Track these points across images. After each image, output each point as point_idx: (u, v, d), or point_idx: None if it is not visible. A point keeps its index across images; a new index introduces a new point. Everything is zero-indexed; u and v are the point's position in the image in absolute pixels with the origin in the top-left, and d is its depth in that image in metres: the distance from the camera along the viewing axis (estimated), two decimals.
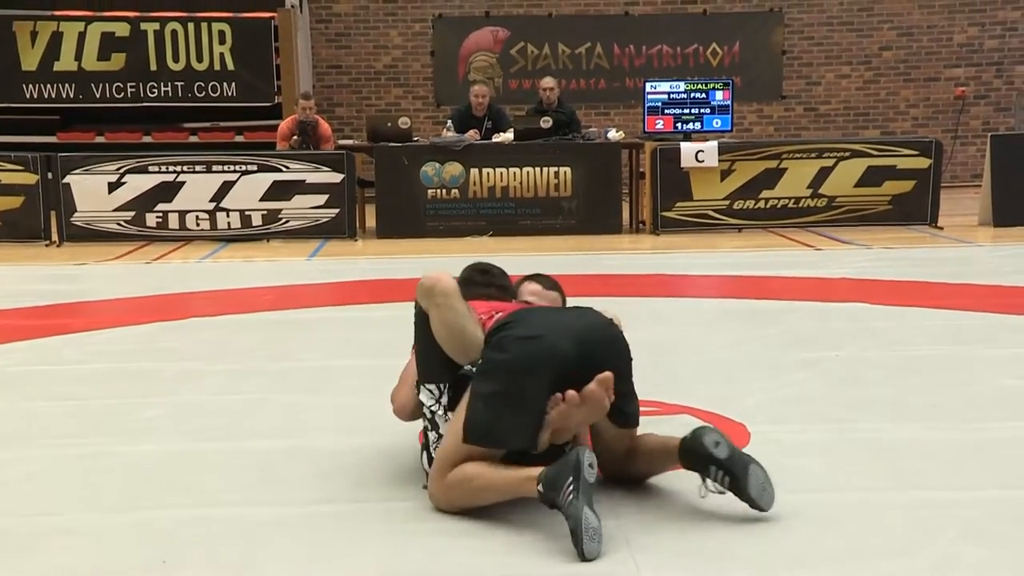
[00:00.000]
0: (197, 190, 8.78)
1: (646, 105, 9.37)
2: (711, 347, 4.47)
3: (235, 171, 8.82)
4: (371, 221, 9.27)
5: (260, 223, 8.87)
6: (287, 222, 8.87)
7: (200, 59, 11.62)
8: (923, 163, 8.93)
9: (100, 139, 11.67)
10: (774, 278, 6.35)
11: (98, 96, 11.63)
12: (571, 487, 2.33)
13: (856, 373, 3.92)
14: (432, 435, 2.72)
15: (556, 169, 8.99)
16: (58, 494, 2.79)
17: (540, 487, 2.40)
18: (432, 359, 2.72)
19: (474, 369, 2.62)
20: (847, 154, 8.95)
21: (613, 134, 9.33)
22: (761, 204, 8.93)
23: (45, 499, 2.76)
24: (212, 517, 2.61)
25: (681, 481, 2.72)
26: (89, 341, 4.80)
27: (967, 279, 6.10)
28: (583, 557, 2.29)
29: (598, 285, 6.27)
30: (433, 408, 2.73)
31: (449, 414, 2.67)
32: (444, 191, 9.00)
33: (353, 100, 13.21)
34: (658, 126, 9.34)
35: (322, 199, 8.85)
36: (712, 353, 4.35)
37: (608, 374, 2.52)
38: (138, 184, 8.76)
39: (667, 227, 8.88)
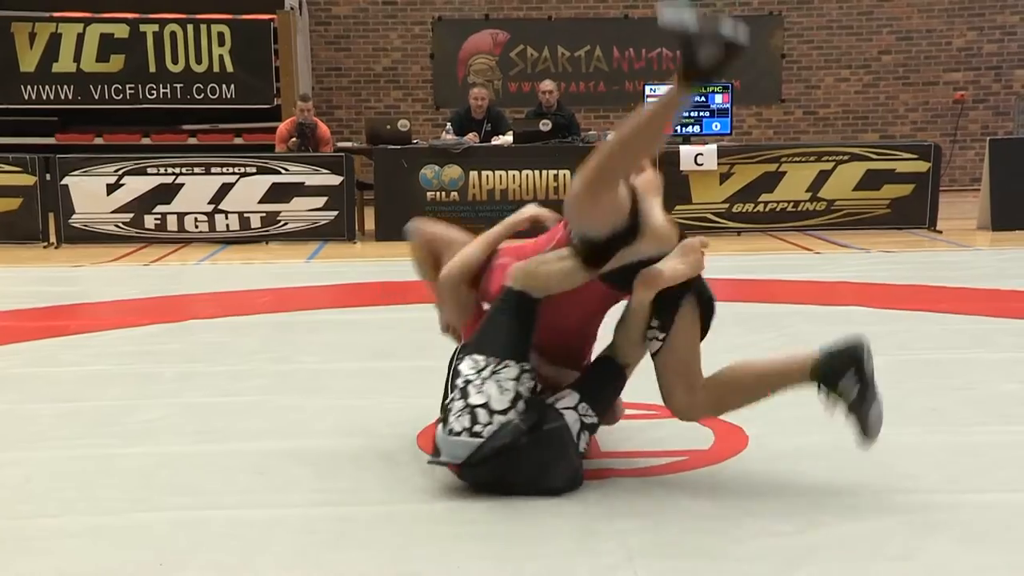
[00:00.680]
0: (196, 192, 8.79)
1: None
2: (709, 351, 4.46)
3: (234, 173, 8.83)
4: (370, 224, 9.28)
5: (259, 225, 8.88)
6: (286, 224, 8.88)
7: (199, 61, 11.64)
8: (922, 167, 8.94)
9: (99, 141, 11.68)
10: (773, 281, 6.36)
11: (97, 98, 11.64)
12: (855, 378, 2.63)
13: None
14: (459, 403, 2.71)
15: (555, 172, 9.01)
16: (57, 496, 2.79)
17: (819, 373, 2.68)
18: (521, 339, 2.76)
19: None
20: (846, 158, 8.97)
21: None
22: (760, 207, 8.95)
23: (43, 501, 2.76)
24: (211, 519, 2.61)
25: (681, 487, 2.72)
26: (87, 343, 4.81)
27: (966, 283, 6.10)
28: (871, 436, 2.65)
29: None
30: (470, 377, 2.73)
31: (487, 383, 2.68)
32: (443, 193, 9.01)
33: (352, 102, 13.23)
34: None
35: (321, 201, 8.86)
36: (710, 357, 4.33)
37: (705, 239, 2.80)
38: (136, 186, 8.77)
39: None
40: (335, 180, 8.87)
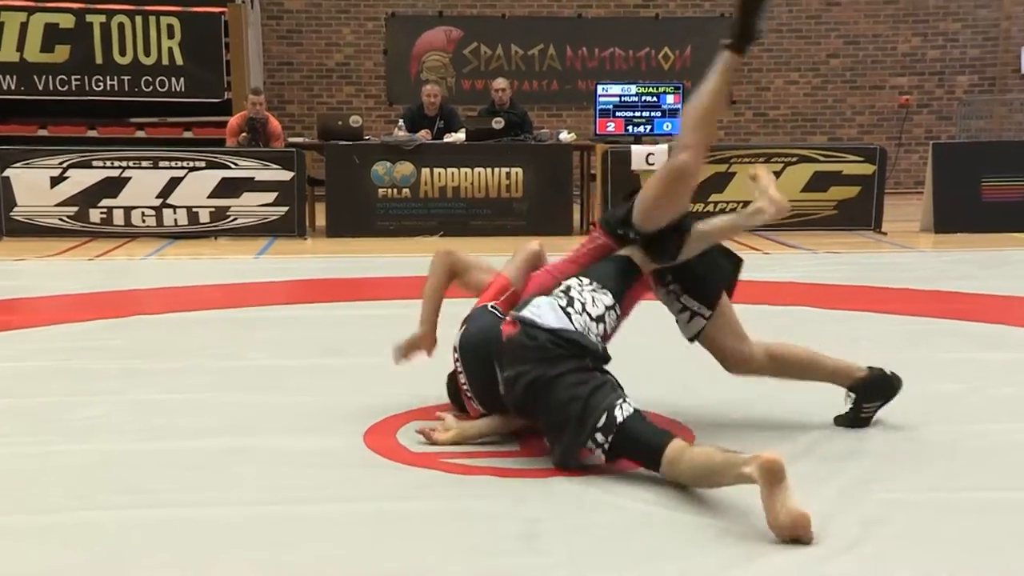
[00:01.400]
0: (143, 186, 8.66)
1: (597, 107, 9.43)
2: (655, 349, 4.50)
3: (183, 167, 8.72)
4: (321, 219, 9.21)
5: (208, 220, 8.77)
6: (235, 219, 8.79)
7: (148, 53, 11.45)
8: (868, 169, 9.09)
9: (42, 132, 11.44)
10: None
11: (41, 88, 11.40)
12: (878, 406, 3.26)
13: None
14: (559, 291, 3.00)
15: (507, 170, 9.01)
16: (0, 495, 2.74)
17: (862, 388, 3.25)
18: (620, 289, 3.08)
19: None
20: (794, 159, 9.08)
21: (564, 136, 9.38)
22: (710, 208, 9.01)
23: None
24: (156, 518, 2.57)
25: (625, 487, 2.74)
26: (28, 339, 4.72)
27: (910, 284, 6.21)
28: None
29: None
30: (572, 284, 3.03)
31: (587, 293, 2.99)
32: (395, 190, 8.97)
33: (304, 97, 13.12)
34: (609, 128, 9.41)
35: (271, 197, 8.77)
36: (657, 354, 4.37)
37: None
38: (82, 179, 8.62)
39: None
40: (286, 175, 8.80)
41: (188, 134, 11.54)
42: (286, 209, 8.79)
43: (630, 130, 9.38)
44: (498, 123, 9.13)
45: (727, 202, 9.01)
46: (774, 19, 13.30)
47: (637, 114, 9.39)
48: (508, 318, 3.01)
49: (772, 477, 2.38)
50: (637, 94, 9.42)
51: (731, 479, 2.50)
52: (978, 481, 2.84)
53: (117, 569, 2.29)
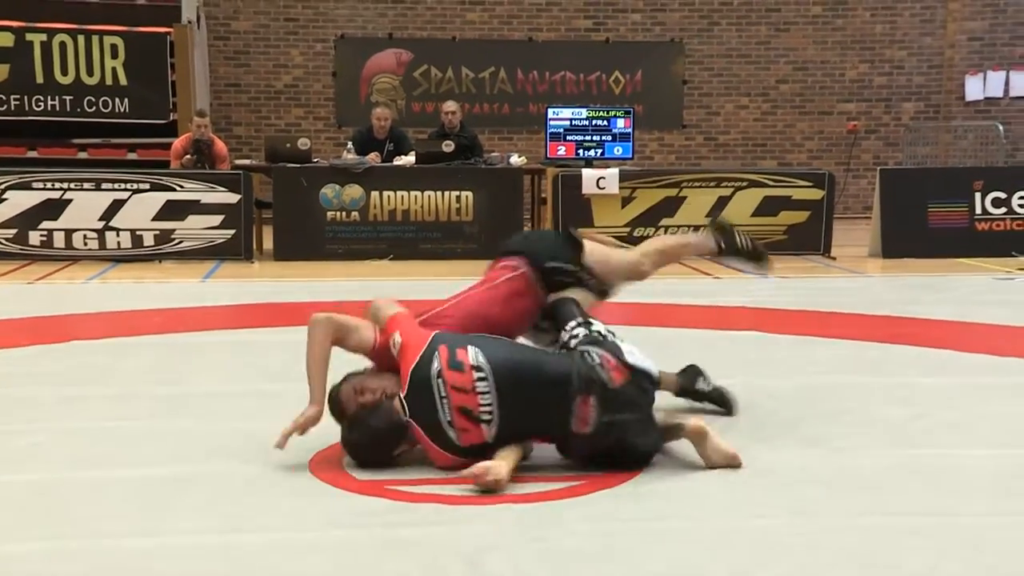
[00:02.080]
0: (85, 208, 8.53)
1: (548, 131, 9.48)
2: None
3: (126, 189, 8.60)
4: (268, 243, 9.13)
5: (152, 243, 8.66)
6: (181, 243, 8.68)
7: (91, 73, 11.31)
8: (817, 194, 9.22)
9: None
10: (673, 306, 6.45)
11: None
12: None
13: (753, 400, 4.00)
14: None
15: (458, 193, 9.02)
16: None
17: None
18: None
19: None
20: (744, 184, 9.20)
21: (515, 159, 9.41)
22: (661, 232, 9.09)
23: None
24: (91, 550, 2.52)
25: (577, 513, 2.73)
26: None
27: (858, 309, 6.30)
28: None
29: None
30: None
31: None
32: (344, 213, 8.94)
33: (252, 119, 13.03)
34: (560, 152, 9.46)
35: (217, 219, 8.69)
36: None
37: None
38: (21, 201, 8.47)
39: None
40: (232, 198, 8.72)
41: (132, 156, 11.39)
42: (233, 232, 8.71)
43: (581, 153, 9.45)
44: (448, 146, 9.14)
45: (677, 226, 9.09)
46: (723, 44, 13.52)
47: (588, 138, 9.45)
48: (613, 362, 3.17)
49: (700, 437, 3.18)
50: (588, 118, 9.50)
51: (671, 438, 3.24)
52: (914, 505, 2.88)
53: None
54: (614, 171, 9.05)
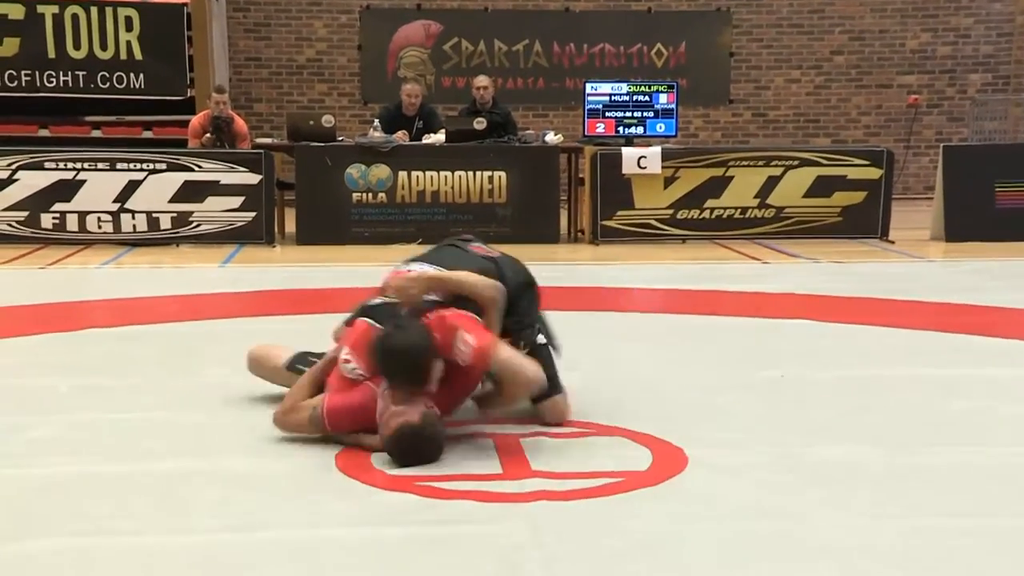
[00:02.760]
0: (99, 190, 8.62)
1: (586, 107, 9.45)
2: (649, 365, 4.52)
3: (142, 170, 8.69)
4: (291, 226, 9.19)
5: (169, 226, 8.74)
6: (199, 226, 8.76)
7: (104, 47, 11.42)
8: (874, 173, 9.13)
9: None
10: (718, 292, 6.43)
11: None
12: None
13: (800, 394, 3.99)
14: None
15: (490, 173, 9.02)
16: None
17: None
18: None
19: None
20: (796, 163, 9.12)
21: (551, 137, 9.39)
22: (706, 214, 9.06)
23: None
24: (104, 546, 2.56)
25: (616, 512, 2.73)
26: None
27: (918, 296, 6.24)
28: None
29: None
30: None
31: None
32: (370, 195, 8.97)
33: (273, 95, 13.11)
34: (599, 129, 9.43)
35: (237, 201, 8.75)
36: (650, 371, 4.39)
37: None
38: (32, 182, 8.58)
39: (607, 237, 8.95)
40: (253, 179, 8.78)
41: (148, 134, 11.52)
42: (253, 215, 8.77)
43: (621, 131, 9.40)
44: (480, 124, 9.14)
45: (724, 208, 9.04)
46: (773, 12, 13.38)
47: (628, 114, 9.41)
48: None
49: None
50: (628, 93, 9.45)
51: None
52: (975, 505, 2.85)
53: None
54: (656, 149, 9.00)
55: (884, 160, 9.18)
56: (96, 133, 11.53)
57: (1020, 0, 13.36)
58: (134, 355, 4.69)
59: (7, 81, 11.37)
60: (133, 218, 8.70)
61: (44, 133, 11.44)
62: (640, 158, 8.94)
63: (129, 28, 11.43)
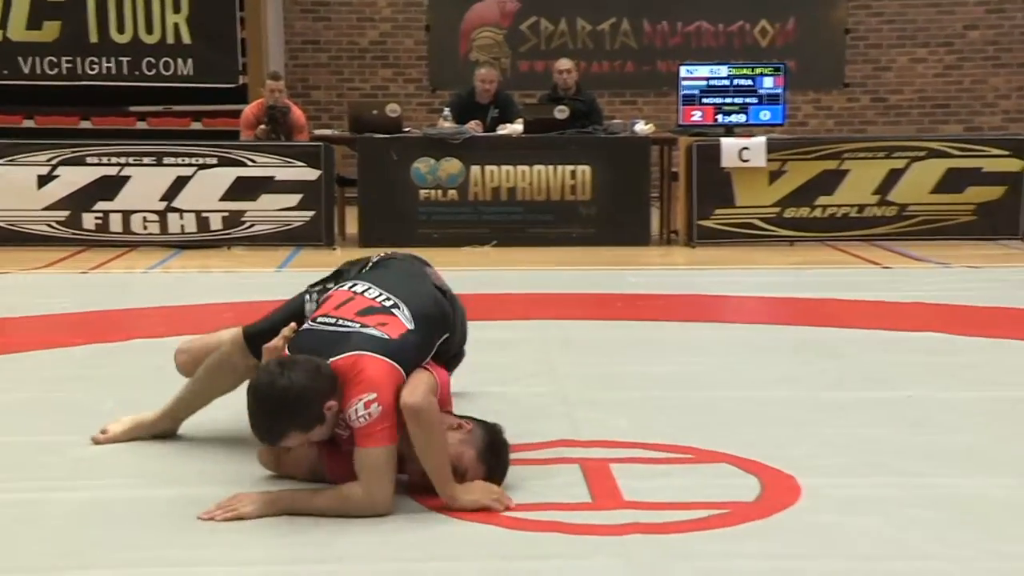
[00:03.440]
0: (145, 187, 8.80)
1: (681, 93, 9.41)
2: (756, 383, 4.48)
3: (191, 165, 8.85)
4: (352, 227, 9.28)
5: (220, 227, 8.89)
6: (252, 226, 8.90)
7: (150, 31, 11.67)
8: (1015, 165, 8.96)
9: (29, 123, 11.70)
10: (832, 301, 6.36)
11: (27, 72, 11.66)
12: None
13: (930, 417, 3.92)
14: None
15: (573, 168, 9.02)
16: None
17: None
18: None
19: None
20: (923, 154, 8.98)
21: (641, 127, 9.37)
22: (818, 212, 8.96)
23: None
24: None
25: (721, 547, 2.71)
26: (10, 366, 4.81)
27: None
28: None
29: (621, 307, 6.27)
30: None
31: None
32: (439, 192, 9.03)
33: (333, 82, 13.27)
34: (695, 118, 9.38)
35: (294, 199, 8.87)
36: (757, 391, 4.36)
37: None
38: (74, 178, 8.79)
39: (704, 238, 8.90)
40: (311, 174, 8.89)
41: (197, 125, 11.73)
42: (312, 214, 8.89)
43: (720, 119, 9.34)
44: (562, 112, 9.15)
45: (838, 206, 8.93)
46: None
47: (729, 100, 9.34)
48: None
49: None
50: (729, 76, 9.39)
51: None
52: None
53: None
54: (760, 140, 8.93)
55: None
56: (141, 125, 11.78)
57: None
58: None
59: (47, 68, 11.68)
60: (181, 218, 8.86)
61: (86, 125, 11.70)
62: (742, 150, 8.87)
63: (177, 9, 11.67)
